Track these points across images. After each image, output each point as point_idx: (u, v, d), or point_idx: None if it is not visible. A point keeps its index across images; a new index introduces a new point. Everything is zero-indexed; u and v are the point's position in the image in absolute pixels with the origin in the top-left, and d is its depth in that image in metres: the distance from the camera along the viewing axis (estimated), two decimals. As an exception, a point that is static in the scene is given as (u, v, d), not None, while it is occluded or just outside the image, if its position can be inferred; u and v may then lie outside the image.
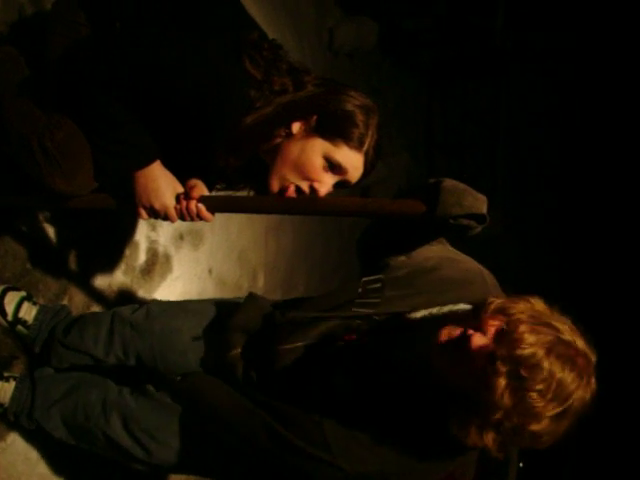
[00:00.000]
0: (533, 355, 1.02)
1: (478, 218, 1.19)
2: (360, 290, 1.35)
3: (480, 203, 1.19)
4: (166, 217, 1.32)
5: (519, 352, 1.02)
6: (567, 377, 1.03)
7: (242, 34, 1.29)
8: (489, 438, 1.08)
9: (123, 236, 2.16)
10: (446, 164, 6.41)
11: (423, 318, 1.24)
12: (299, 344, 1.32)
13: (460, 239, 1.27)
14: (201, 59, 1.22)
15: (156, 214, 1.32)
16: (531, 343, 1.03)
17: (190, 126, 1.28)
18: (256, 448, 1.27)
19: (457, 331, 1.12)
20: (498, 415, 1.04)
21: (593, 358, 1.09)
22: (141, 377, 1.56)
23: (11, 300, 1.65)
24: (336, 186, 1.35)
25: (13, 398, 1.57)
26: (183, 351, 1.51)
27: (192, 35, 1.27)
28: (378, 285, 1.34)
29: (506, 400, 1.02)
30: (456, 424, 1.10)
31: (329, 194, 1.33)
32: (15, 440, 1.68)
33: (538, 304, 1.13)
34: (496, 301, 1.14)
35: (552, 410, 1.03)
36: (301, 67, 1.34)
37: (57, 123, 1.26)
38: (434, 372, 1.16)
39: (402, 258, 1.38)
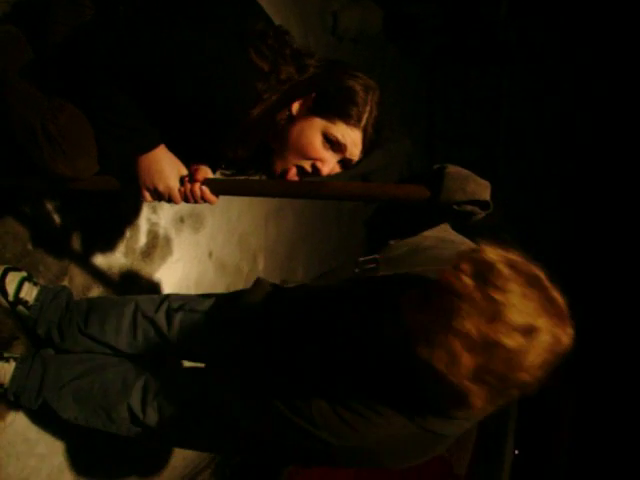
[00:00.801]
0: (493, 261, 0.97)
1: (481, 204, 1.19)
2: (357, 270, 1.35)
3: (483, 189, 1.19)
4: (170, 199, 1.32)
5: (477, 255, 0.98)
6: (528, 292, 0.95)
7: (247, 25, 1.27)
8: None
9: (124, 218, 2.16)
10: (446, 152, 6.40)
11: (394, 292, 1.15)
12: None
13: (464, 225, 1.27)
14: (205, 54, 1.20)
15: (160, 196, 1.32)
16: (491, 253, 0.98)
17: (196, 121, 1.27)
18: (256, 421, 1.30)
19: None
20: (469, 326, 0.94)
21: (561, 301, 0.99)
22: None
23: (12, 280, 1.65)
24: (340, 166, 1.35)
25: (13, 378, 1.57)
26: (204, 343, 1.55)
27: (197, 27, 1.23)
28: (373, 265, 1.34)
29: (474, 296, 0.94)
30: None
31: (336, 176, 1.33)
32: (15, 420, 1.69)
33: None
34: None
35: (518, 319, 0.93)
36: (304, 50, 1.33)
37: (60, 106, 1.25)
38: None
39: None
